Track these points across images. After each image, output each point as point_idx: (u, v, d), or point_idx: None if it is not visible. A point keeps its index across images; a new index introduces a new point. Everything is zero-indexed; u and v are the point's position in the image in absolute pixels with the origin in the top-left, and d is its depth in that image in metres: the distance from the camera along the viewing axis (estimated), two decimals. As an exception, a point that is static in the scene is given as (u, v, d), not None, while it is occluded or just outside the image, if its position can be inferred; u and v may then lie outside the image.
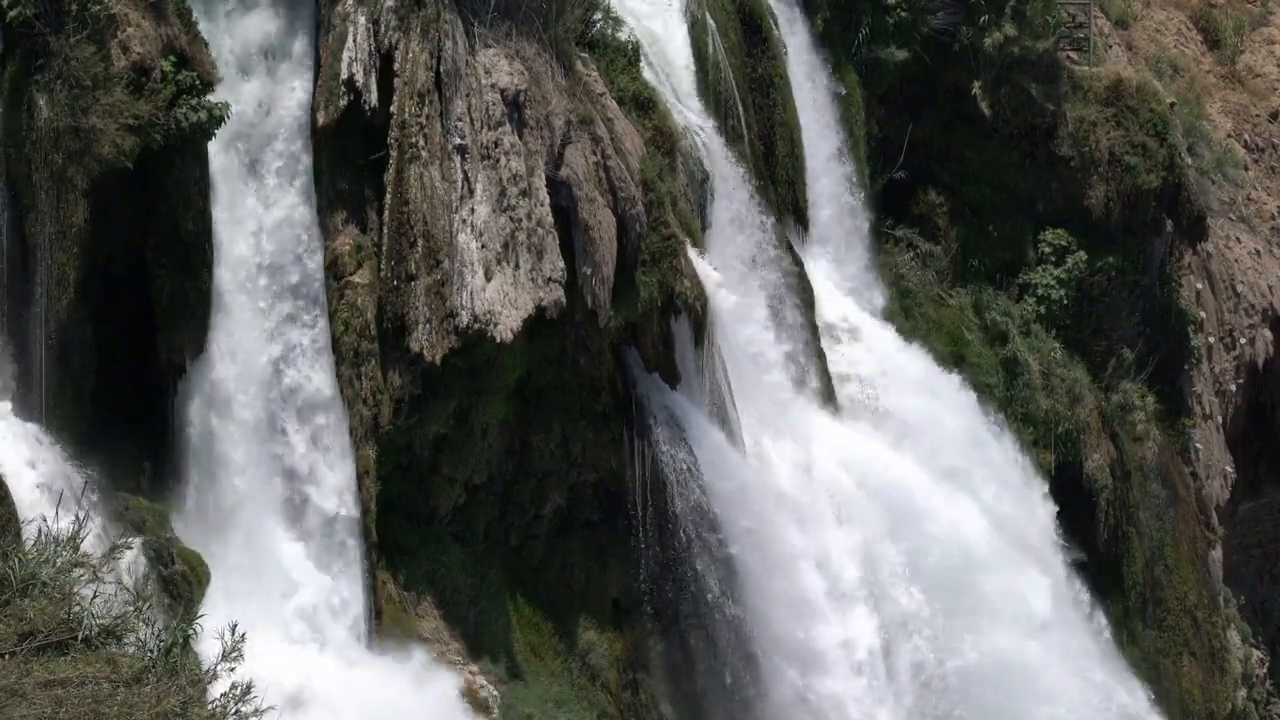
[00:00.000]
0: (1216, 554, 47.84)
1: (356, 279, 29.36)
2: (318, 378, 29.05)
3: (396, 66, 29.53)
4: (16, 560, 13.27)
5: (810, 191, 39.57)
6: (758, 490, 34.33)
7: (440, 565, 30.88)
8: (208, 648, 13.29)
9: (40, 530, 13.70)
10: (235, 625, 12.59)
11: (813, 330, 37.61)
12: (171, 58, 26.51)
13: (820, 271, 39.34)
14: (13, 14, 25.55)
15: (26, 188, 25.86)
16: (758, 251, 36.65)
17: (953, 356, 41.59)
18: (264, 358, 28.60)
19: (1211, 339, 48.46)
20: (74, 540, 13.32)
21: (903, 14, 41.10)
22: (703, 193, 35.50)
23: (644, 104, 34.06)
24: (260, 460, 28.52)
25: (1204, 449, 47.58)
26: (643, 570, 33.15)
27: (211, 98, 26.74)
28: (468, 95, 29.96)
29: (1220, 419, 48.84)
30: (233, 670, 12.44)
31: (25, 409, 25.94)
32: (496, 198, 29.96)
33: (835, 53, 41.17)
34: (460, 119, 29.81)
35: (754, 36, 38.42)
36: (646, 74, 34.81)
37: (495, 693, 30.51)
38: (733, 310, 34.99)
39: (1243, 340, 49.74)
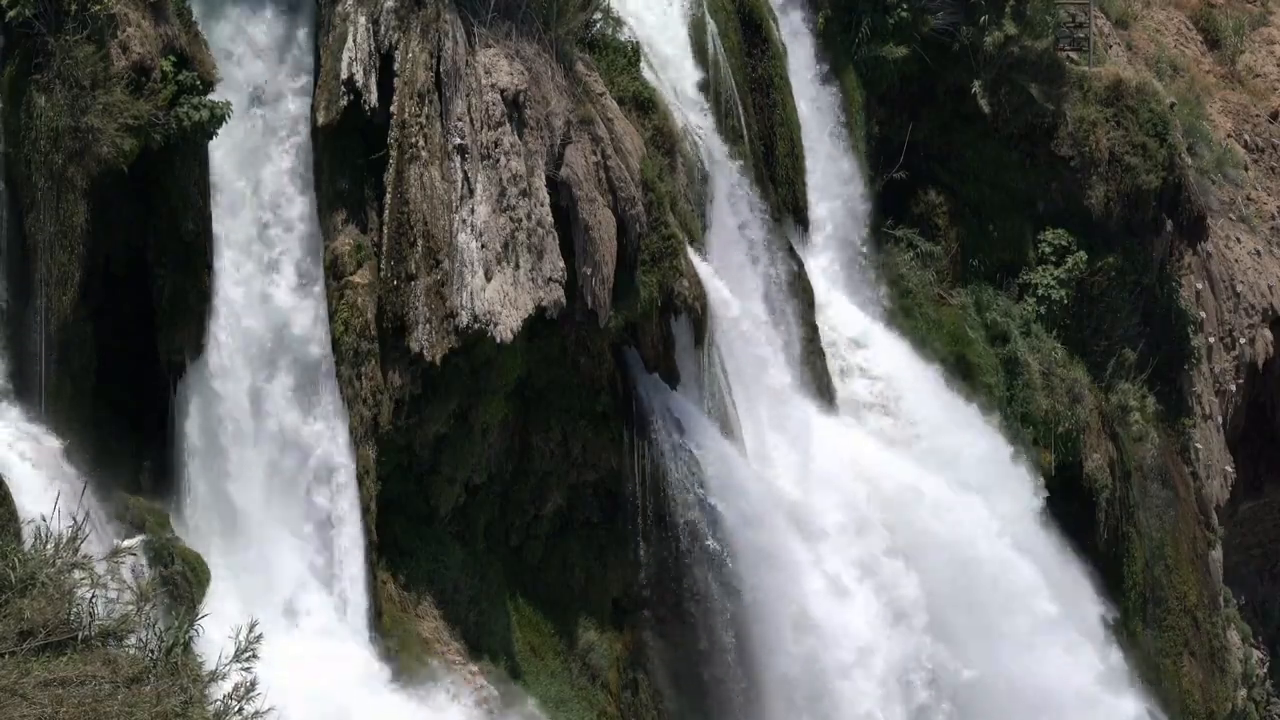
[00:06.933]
0: (1216, 554, 47.83)
1: (356, 279, 29.34)
2: None
3: (396, 66, 29.52)
4: (16, 560, 13.25)
5: (810, 191, 39.55)
6: (757, 490, 34.32)
7: (440, 565, 30.87)
8: (210, 648, 13.26)
9: (40, 530, 13.67)
10: (254, 624, 12.52)
11: (812, 330, 37.60)
12: (171, 58, 26.49)
13: (820, 271, 39.33)
14: (12, 14, 25.54)
15: (26, 188, 25.84)
16: (757, 251, 36.64)
17: (953, 356, 41.57)
18: None
19: (1211, 339, 48.45)
20: (74, 541, 13.30)
21: (903, 14, 41.07)
22: (703, 193, 35.49)
23: (644, 104, 34.05)
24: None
25: (1204, 449, 47.57)
26: (643, 570, 33.15)
27: (213, 97, 26.71)
28: (468, 95, 29.95)
29: (1220, 419, 48.82)
30: (248, 670, 12.40)
31: (25, 408, 25.92)
32: (496, 198, 29.95)
33: (835, 53, 41.14)
34: (460, 119, 29.79)
35: (754, 36, 38.40)
36: (646, 74, 34.79)
37: (495, 693, 30.50)
38: (732, 310, 34.99)
39: (1243, 340, 49.72)
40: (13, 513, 23.46)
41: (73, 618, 12.85)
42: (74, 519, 13.67)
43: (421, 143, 29.46)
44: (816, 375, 37.69)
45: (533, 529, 32.54)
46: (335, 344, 29.12)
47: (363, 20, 29.28)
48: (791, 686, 34.17)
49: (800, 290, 37.36)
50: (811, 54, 40.80)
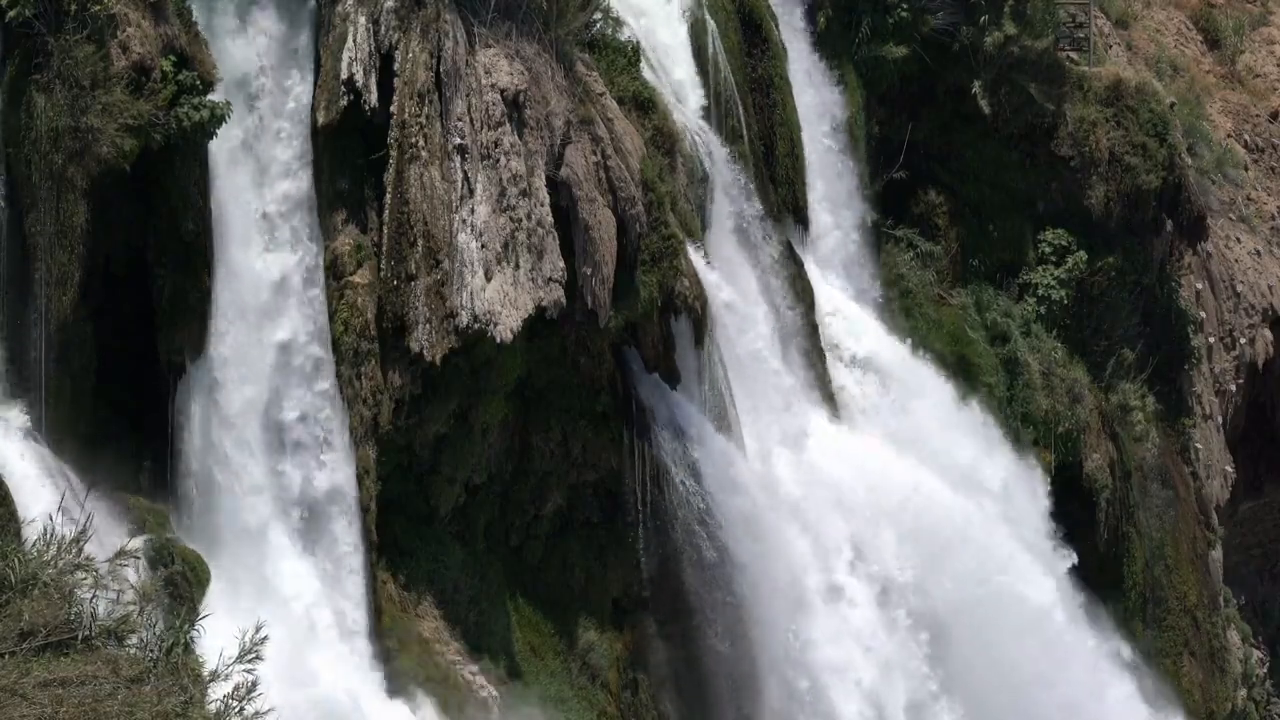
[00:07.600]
0: (1216, 554, 47.84)
1: (356, 279, 29.34)
2: None
3: (396, 66, 29.51)
4: (17, 560, 13.26)
5: (810, 191, 39.56)
6: (757, 489, 34.33)
7: (440, 565, 30.87)
8: (211, 648, 13.25)
9: (43, 530, 13.68)
10: (259, 626, 12.51)
11: (812, 330, 37.61)
12: (171, 57, 26.48)
13: (820, 271, 39.34)
14: (12, 14, 25.53)
15: (26, 188, 25.84)
16: (757, 251, 36.65)
17: (954, 356, 41.58)
18: None
19: (1211, 339, 48.47)
20: (77, 543, 13.29)
21: (903, 14, 41.08)
22: (703, 193, 35.49)
23: (644, 104, 34.05)
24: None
25: (1204, 449, 47.58)
26: (643, 570, 33.15)
27: (213, 97, 26.70)
28: (468, 95, 29.95)
29: (1220, 419, 48.84)
30: (251, 671, 12.39)
31: (25, 408, 25.91)
32: (496, 198, 29.95)
33: (835, 53, 41.15)
34: (460, 119, 29.79)
35: (754, 37, 38.41)
36: (646, 74, 34.79)
37: (495, 693, 30.50)
38: (732, 310, 34.99)
39: (1243, 340, 49.74)
40: (13, 513, 23.47)
41: (73, 618, 12.85)
42: (82, 522, 13.67)
43: (421, 143, 29.46)
44: (816, 375, 37.71)
45: (533, 529, 32.54)
46: (335, 344, 29.12)
47: (363, 20, 29.27)
48: (790, 684, 34.17)
49: (800, 290, 37.37)
50: (811, 54, 40.80)
